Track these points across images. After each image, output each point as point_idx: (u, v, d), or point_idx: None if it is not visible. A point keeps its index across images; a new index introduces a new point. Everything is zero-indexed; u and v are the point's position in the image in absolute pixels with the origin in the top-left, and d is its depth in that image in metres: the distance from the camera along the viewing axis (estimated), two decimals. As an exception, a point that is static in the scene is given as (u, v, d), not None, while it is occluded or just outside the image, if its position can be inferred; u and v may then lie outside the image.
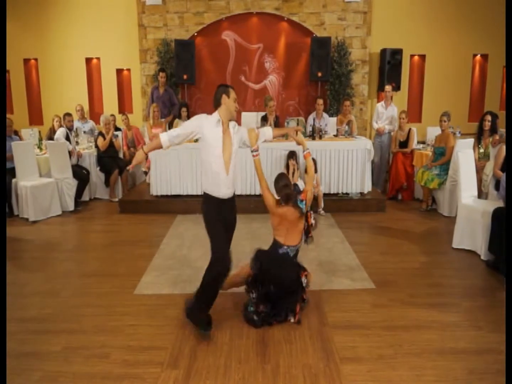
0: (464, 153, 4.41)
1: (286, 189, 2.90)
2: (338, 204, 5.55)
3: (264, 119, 6.26)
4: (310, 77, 7.43)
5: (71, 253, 4.31)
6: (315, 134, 5.76)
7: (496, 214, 3.73)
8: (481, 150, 5.22)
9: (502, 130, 5.76)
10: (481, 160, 5.12)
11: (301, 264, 3.02)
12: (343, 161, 5.58)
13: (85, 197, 6.03)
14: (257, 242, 4.43)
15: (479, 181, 4.75)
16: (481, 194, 4.75)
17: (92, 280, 3.62)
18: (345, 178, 5.62)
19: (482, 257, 3.95)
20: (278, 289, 2.87)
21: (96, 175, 6.28)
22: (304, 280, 2.93)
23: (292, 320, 2.90)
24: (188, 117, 6.54)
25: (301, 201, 2.88)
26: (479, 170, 4.83)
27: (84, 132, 7.04)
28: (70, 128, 6.13)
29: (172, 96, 7.09)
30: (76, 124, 6.88)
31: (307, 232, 2.97)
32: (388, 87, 6.67)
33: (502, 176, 3.82)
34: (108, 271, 3.82)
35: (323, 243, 4.42)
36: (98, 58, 8.03)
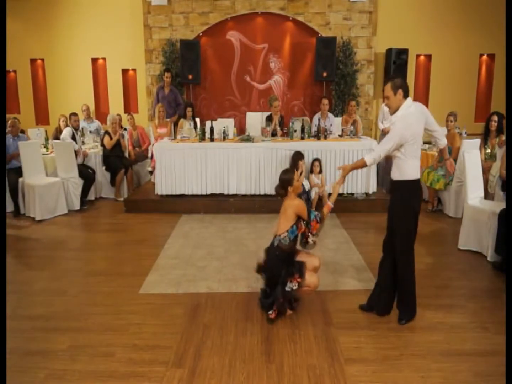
0: (471, 154, 4.38)
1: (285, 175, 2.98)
2: (343, 205, 5.52)
3: (269, 119, 6.26)
4: (315, 77, 7.41)
5: (77, 252, 4.34)
6: (320, 134, 5.75)
7: (503, 215, 3.70)
8: (488, 151, 5.19)
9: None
10: (487, 161, 5.08)
11: (297, 266, 2.91)
12: (348, 162, 5.56)
13: (91, 196, 6.06)
14: (262, 241, 4.43)
15: (486, 182, 4.72)
16: (488, 195, 4.72)
17: (98, 279, 3.64)
18: (350, 178, 5.59)
19: (488, 259, 3.93)
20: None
21: (102, 175, 6.32)
22: (289, 284, 2.86)
23: (269, 313, 2.91)
24: (193, 117, 6.57)
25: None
26: (486, 171, 4.80)
27: (90, 132, 7.09)
28: (76, 128, 6.16)
29: (177, 96, 7.11)
30: (82, 124, 6.93)
31: (303, 235, 2.97)
32: (394, 87, 6.63)
33: None
34: (113, 270, 3.84)
35: (328, 244, 4.41)
36: (104, 58, 8.07)
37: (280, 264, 2.91)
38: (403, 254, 2.86)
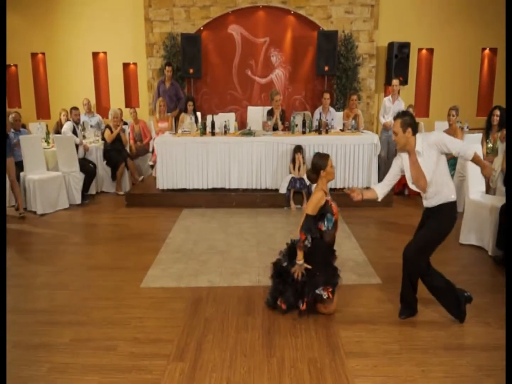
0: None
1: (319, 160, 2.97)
2: (344, 199, 5.47)
3: (270, 113, 6.24)
4: (317, 71, 7.37)
5: (78, 246, 4.35)
6: (322, 128, 5.73)
7: (505, 210, 3.69)
8: (490, 145, 5.16)
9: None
10: (489, 155, 5.06)
11: (334, 281, 2.91)
12: (349, 156, 5.55)
13: (92, 190, 6.06)
14: (262, 236, 4.46)
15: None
16: (489, 190, 4.70)
17: (100, 273, 3.65)
18: (351, 172, 5.59)
19: (489, 253, 3.93)
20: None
21: (103, 169, 6.31)
22: (322, 291, 2.84)
23: (300, 306, 2.88)
24: (195, 111, 6.55)
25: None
26: (488, 166, 4.78)
27: (91, 126, 7.07)
28: (77, 122, 6.16)
29: (178, 90, 7.09)
30: (83, 118, 6.91)
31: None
32: (395, 81, 6.61)
33: None
34: (115, 264, 3.85)
35: (329, 238, 4.41)
36: (105, 52, 8.04)
37: (319, 256, 2.88)
38: (424, 253, 2.85)
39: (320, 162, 2.92)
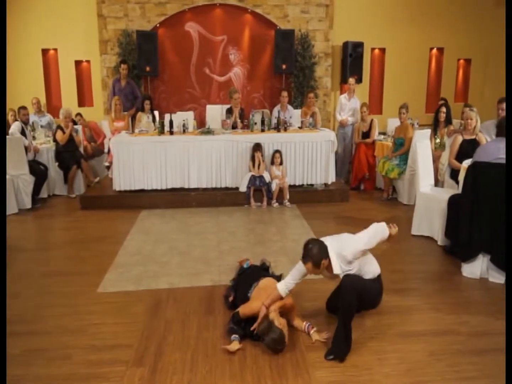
0: (422, 144, 4.58)
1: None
2: (303, 196, 5.64)
3: (229, 112, 6.23)
4: (275, 69, 7.44)
5: (30, 253, 4.13)
6: (280, 126, 5.80)
7: (452, 201, 3.90)
8: (437, 140, 5.45)
9: (456, 120, 6.03)
10: (437, 150, 5.34)
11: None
12: (307, 153, 5.66)
13: (43, 194, 5.78)
14: (223, 234, 4.45)
15: (436, 170, 4.96)
16: (438, 183, 4.97)
17: (54, 280, 3.50)
18: (309, 169, 5.70)
19: (438, 243, 4.14)
20: None
21: (55, 171, 6.03)
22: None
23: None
24: (152, 110, 6.41)
25: None
26: (436, 160, 5.04)
27: (41, 126, 6.74)
28: (25, 122, 5.85)
29: (135, 89, 6.91)
30: (33, 118, 6.59)
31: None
32: (351, 80, 6.81)
33: None
34: (70, 269, 3.70)
35: (289, 234, 4.48)
36: (55, 49, 7.67)
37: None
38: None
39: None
